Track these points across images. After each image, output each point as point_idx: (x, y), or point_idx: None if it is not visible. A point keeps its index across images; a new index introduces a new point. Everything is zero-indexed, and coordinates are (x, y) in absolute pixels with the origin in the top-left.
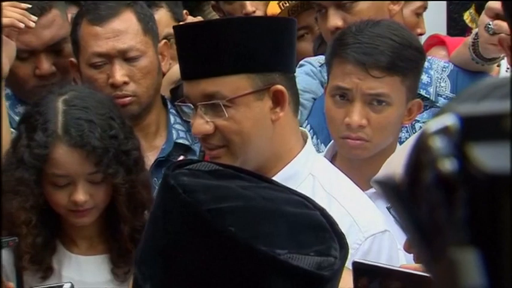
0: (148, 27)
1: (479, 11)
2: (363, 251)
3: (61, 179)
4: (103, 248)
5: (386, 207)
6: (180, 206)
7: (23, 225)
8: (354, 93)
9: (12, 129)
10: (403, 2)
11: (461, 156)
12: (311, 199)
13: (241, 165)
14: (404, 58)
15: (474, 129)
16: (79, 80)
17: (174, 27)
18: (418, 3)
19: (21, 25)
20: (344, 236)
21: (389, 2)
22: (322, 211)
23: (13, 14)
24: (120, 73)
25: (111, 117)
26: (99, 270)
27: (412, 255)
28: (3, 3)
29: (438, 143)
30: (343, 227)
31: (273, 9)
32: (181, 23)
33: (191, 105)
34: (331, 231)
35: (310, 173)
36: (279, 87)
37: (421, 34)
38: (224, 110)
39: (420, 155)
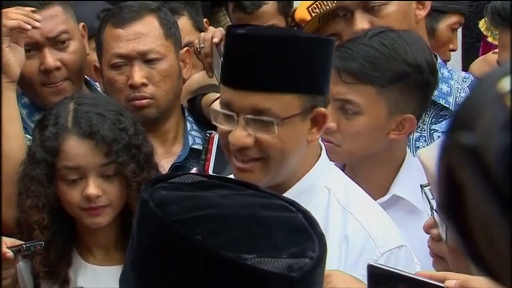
0: (171, 32)
1: None
2: None
3: (72, 172)
4: (119, 258)
5: (420, 185)
6: (150, 219)
7: (35, 225)
8: (330, 97)
9: (29, 136)
10: (428, 8)
11: None
12: (296, 203)
13: (270, 180)
14: (380, 69)
15: None
16: (101, 84)
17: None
18: (455, 19)
19: (28, 27)
20: (324, 236)
21: (415, 7)
22: (305, 213)
23: (18, 16)
24: (139, 74)
25: (121, 114)
26: (116, 281)
27: (427, 265)
28: (5, 9)
29: None
30: (358, 242)
31: (302, 14)
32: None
33: (232, 113)
34: (312, 233)
35: (325, 186)
36: (323, 110)
37: (453, 50)
38: (276, 127)
39: (490, 113)
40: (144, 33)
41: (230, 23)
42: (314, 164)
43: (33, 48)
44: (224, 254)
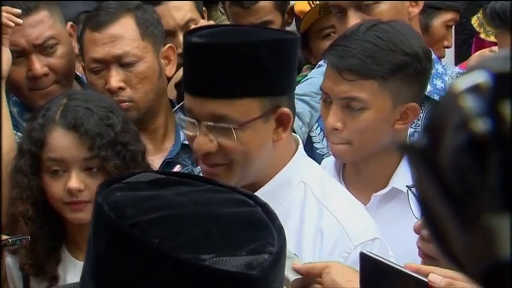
0: (148, 32)
1: None
2: (352, 259)
3: (56, 164)
4: None
5: (406, 186)
6: (105, 224)
7: (20, 216)
8: (331, 96)
9: (20, 134)
10: (421, 4)
11: (495, 115)
12: (254, 195)
13: (238, 182)
14: (381, 62)
15: (508, 86)
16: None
17: (185, 37)
18: (450, 16)
19: (11, 24)
20: (283, 229)
21: (408, 4)
22: (264, 206)
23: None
24: (115, 79)
25: (111, 111)
26: None
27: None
28: None
29: (469, 102)
30: (332, 235)
31: (302, 6)
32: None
33: (194, 120)
34: (272, 227)
35: (302, 180)
36: (286, 110)
37: (447, 47)
38: (234, 133)
39: (448, 115)
40: (119, 36)
41: (223, 20)
42: (290, 159)
43: (21, 54)
44: (182, 256)
